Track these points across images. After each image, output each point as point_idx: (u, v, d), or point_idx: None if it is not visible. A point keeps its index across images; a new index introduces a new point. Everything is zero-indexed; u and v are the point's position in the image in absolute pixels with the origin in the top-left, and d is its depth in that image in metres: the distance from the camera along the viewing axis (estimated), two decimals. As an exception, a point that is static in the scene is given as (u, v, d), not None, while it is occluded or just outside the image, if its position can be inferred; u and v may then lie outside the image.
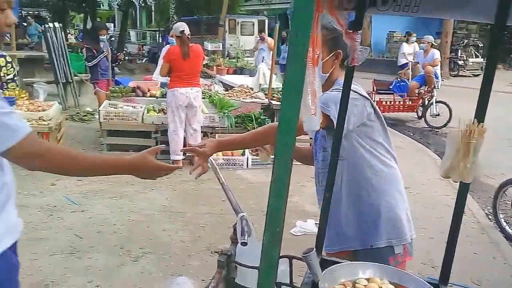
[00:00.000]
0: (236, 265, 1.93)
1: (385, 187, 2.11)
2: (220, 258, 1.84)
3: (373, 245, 2.09)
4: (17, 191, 1.56)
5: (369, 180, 2.08)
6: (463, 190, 1.72)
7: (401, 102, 9.88)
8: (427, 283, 1.69)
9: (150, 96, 7.07)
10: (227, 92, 7.72)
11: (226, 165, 6.03)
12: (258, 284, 0.75)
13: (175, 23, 8.46)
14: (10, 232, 1.54)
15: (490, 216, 4.92)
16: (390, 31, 21.30)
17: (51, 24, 9.14)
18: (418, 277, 1.74)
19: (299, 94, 0.67)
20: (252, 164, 6.08)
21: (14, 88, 6.67)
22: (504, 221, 4.63)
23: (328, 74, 2.07)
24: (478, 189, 5.98)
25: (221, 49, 13.74)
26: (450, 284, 2.90)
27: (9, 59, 6.93)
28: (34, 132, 1.43)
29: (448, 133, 1.59)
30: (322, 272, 1.62)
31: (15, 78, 6.82)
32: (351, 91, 2.00)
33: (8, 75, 6.78)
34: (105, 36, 8.21)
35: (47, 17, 20.90)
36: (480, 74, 18.98)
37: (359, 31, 1.79)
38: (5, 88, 6.69)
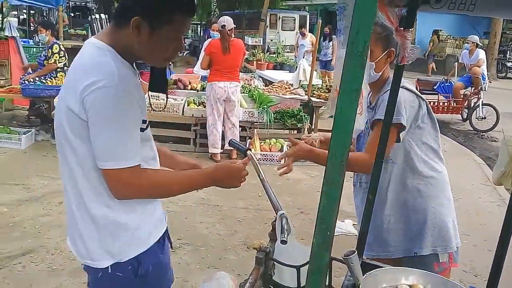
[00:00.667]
0: (275, 262, 1.92)
1: (433, 193, 2.05)
2: (259, 254, 1.83)
3: (417, 252, 2.03)
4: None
5: (417, 185, 2.02)
6: None
7: (446, 104, 9.57)
8: (471, 292, 1.62)
9: (191, 89, 7.15)
10: (266, 87, 7.70)
11: (263, 160, 6.02)
12: (307, 286, 0.73)
13: (217, 17, 8.49)
14: (159, 226, 1.61)
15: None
16: (435, 30, 20.64)
17: (97, 15, 9.37)
18: (461, 285, 1.67)
19: (357, 94, 0.65)
20: (289, 161, 6.05)
21: (62, 77, 6.80)
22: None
23: (380, 73, 2.03)
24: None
25: (261, 44, 13.71)
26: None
27: (62, 47, 7.03)
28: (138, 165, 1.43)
29: (501, 140, 1.51)
30: (363, 275, 1.58)
31: (65, 68, 6.92)
32: (407, 91, 1.95)
33: (60, 63, 6.88)
34: None
35: (93, 8, 21.45)
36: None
37: (410, 29, 1.73)
38: (54, 77, 6.87)
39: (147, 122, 1.58)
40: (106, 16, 9.59)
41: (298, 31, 14.53)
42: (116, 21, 1.46)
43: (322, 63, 12.61)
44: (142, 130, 1.49)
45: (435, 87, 9.91)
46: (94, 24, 8.91)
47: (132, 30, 1.40)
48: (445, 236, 2.04)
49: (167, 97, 2.04)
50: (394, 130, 1.89)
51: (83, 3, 22.16)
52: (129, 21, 1.39)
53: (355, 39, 0.64)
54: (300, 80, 8.16)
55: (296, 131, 6.70)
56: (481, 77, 9.21)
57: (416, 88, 9.76)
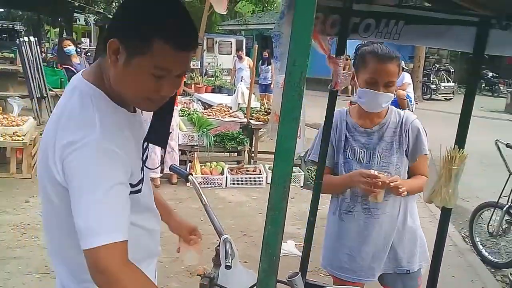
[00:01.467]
0: (219, 288, 1.90)
1: (416, 211, 2.22)
2: (203, 281, 1.80)
3: (410, 270, 2.16)
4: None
5: (412, 208, 2.16)
6: (446, 214, 1.75)
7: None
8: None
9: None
10: (205, 110, 7.71)
11: (204, 183, 5.98)
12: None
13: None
14: None
15: (466, 239, 5.00)
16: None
17: (26, 38, 8.99)
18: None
19: (296, 122, 0.67)
20: (231, 183, 6.05)
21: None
22: (480, 244, 4.70)
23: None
24: (454, 212, 6.05)
25: (199, 67, 13.76)
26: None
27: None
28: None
29: (429, 159, 1.62)
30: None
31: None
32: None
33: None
34: (72, 47, 8.13)
35: (21, 30, 20.56)
36: (452, 98, 19.54)
37: (341, 56, 1.82)
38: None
39: (141, 184, 1.30)
40: (36, 39, 9.19)
41: (236, 55, 14.73)
42: (103, 50, 1.18)
43: (262, 86, 12.83)
44: (133, 192, 1.24)
45: (367, 109, 10.40)
46: (23, 47, 8.49)
47: (108, 56, 1.14)
48: (426, 251, 2.21)
49: (165, 152, 1.70)
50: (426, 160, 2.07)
51: (10, 25, 21.20)
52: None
53: (292, 69, 0.66)
54: (239, 103, 8.25)
55: (236, 153, 6.73)
56: (407, 99, 9.78)
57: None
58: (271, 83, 12.31)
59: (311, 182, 6.24)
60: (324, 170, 1.98)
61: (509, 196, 4.32)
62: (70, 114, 1.16)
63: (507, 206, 4.33)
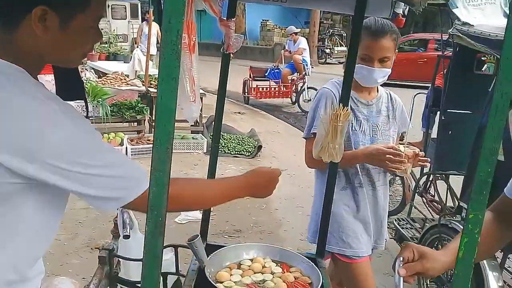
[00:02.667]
0: (120, 259, 1.87)
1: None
2: (102, 253, 1.76)
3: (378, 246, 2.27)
4: None
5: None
6: (333, 169, 1.87)
7: (276, 89, 10.34)
8: (305, 257, 1.81)
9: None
10: (100, 79, 7.30)
11: (102, 156, 5.73)
12: (142, 276, 0.74)
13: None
14: None
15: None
16: (263, 20, 22.01)
17: None
18: (298, 253, 1.86)
19: (176, 82, 0.67)
20: (132, 154, 5.87)
21: None
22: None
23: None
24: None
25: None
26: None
27: None
28: None
29: (317, 118, 1.71)
30: (208, 257, 1.65)
31: None
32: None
33: None
34: None
35: None
36: (345, 62, 20.64)
37: (232, 19, 1.82)
38: None
39: None
40: None
41: (145, 18, 13.84)
42: (5, 23, 1.04)
43: None
44: None
45: (266, 74, 10.61)
46: None
47: (35, 26, 1.03)
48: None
49: (87, 106, 1.54)
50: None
51: None
52: (24, 17, 1.02)
53: (168, 27, 0.65)
54: (136, 71, 7.94)
55: (136, 123, 6.52)
56: (304, 64, 10.16)
57: (250, 75, 10.40)
58: None
59: (214, 148, 6.29)
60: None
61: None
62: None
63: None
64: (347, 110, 1.71)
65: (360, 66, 1.96)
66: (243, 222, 4.32)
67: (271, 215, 4.59)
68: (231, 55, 1.76)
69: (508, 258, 2.91)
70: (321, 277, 1.64)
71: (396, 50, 2.03)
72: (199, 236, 1.60)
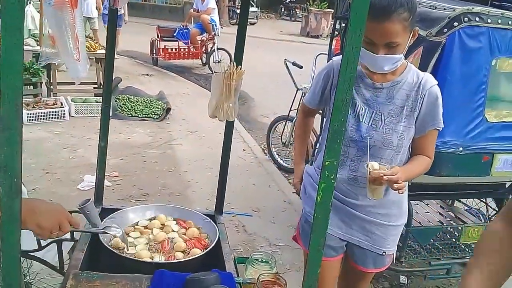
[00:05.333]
0: None
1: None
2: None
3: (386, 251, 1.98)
4: None
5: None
6: (229, 127, 1.90)
7: (186, 49, 10.07)
8: (203, 214, 1.85)
9: None
10: (-13, 38, 6.61)
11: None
12: (1, 238, 0.70)
13: None
14: None
15: (265, 151, 5.57)
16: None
17: None
18: (196, 210, 1.89)
19: (20, 33, 0.62)
20: (28, 120, 5.46)
21: None
22: (276, 154, 5.31)
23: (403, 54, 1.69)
24: (255, 128, 6.68)
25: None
26: (228, 213, 3.22)
27: None
28: None
29: (212, 77, 1.71)
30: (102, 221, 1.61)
31: None
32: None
33: None
34: None
35: None
36: (256, 23, 20.63)
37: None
38: None
39: None
40: None
41: None
42: None
43: (105, 16, 11.43)
44: None
45: (174, 34, 10.28)
46: None
47: None
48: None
49: None
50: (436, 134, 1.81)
51: None
52: None
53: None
54: (29, 29, 7.28)
55: (32, 86, 6.04)
56: (212, 23, 9.97)
57: (157, 35, 10.00)
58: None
59: (120, 112, 6.05)
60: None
61: (297, 109, 4.90)
62: None
63: (295, 118, 4.91)
64: (240, 69, 1.73)
65: (364, 50, 1.62)
66: (151, 186, 4.27)
67: (179, 177, 4.58)
68: (119, 10, 1.68)
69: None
70: (217, 233, 1.69)
71: (414, 29, 1.66)
72: (91, 200, 1.55)
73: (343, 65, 0.70)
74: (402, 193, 1.71)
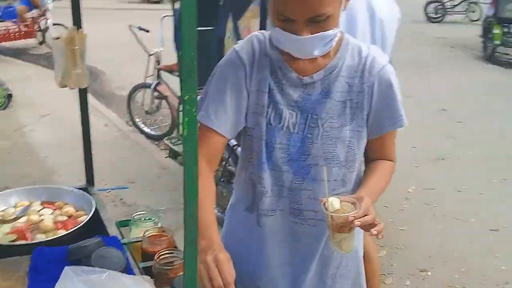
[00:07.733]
0: None
1: None
2: None
3: None
4: None
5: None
6: (83, 95, 1.83)
7: (16, 30, 9.02)
8: (75, 188, 1.78)
9: None
10: None
11: None
12: None
13: None
14: None
15: (129, 123, 5.41)
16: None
17: None
18: (66, 187, 1.81)
19: None
20: None
21: None
22: (142, 123, 5.20)
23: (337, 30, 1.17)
24: (113, 102, 6.41)
25: None
26: (102, 190, 3.13)
27: None
28: None
29: (51, 45, 1.62)
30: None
31: None
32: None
33: None
34: None
35: None
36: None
37: None
38: None
39: None
40: None
41: None
42: None
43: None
44: None
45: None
46: None
47: None
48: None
49: None
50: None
51: None
52: None
53: None
54: None
55: None
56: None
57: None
58: None
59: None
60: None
61: (153, 75, 4.82)
62: None
63: (153, 84, 4.82)
64: (82, 32, 1.66)
65: (277, 31, 1.14)
66: (10, 178, 3.89)
67: (41, 164, 4.28)
68: None
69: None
70: (93, 203, 1.65)
71: None
72: None
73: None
74: (381, 237, 1.10)
